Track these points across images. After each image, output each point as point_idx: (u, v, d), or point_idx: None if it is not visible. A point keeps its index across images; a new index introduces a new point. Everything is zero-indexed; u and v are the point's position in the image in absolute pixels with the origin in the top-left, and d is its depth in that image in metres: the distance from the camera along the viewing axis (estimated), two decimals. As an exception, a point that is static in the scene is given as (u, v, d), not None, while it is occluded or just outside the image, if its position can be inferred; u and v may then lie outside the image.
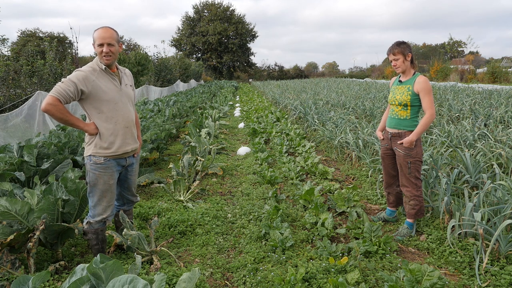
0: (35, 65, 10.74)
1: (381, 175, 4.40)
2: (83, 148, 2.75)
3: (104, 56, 2.42)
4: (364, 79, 35.79)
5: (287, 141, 7.05)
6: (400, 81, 3.09)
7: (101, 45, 2.40)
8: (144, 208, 3.78)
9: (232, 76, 53.85)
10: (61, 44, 26.15)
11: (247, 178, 5.06)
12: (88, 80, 2.37)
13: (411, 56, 2.97)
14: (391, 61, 3.03)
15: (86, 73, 2.38)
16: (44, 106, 2.23)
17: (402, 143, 3.00)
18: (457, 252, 2.76)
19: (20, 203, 2.41)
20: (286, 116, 10.13)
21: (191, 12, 55.68)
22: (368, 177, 4.75)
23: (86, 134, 2.52)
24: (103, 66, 2.46)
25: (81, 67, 2.50)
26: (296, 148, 6.53)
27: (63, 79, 2.34)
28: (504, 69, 24.01)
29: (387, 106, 3.35)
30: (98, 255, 1.46)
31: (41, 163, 4.12)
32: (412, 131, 3.00)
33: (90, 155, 2.48)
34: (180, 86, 25.23)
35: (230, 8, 51.73)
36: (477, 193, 3.11)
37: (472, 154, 4.30)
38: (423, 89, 2.91)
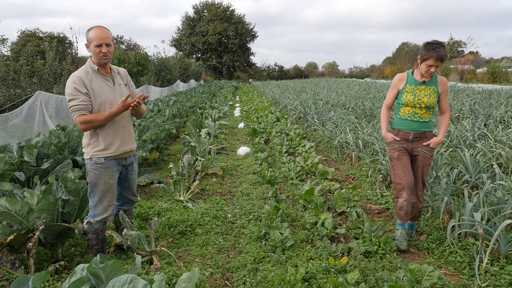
0: (35, 65, 10.73)
1: (381, 175, 4.40)
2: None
3: (102, 56, 2.43)
4: (364, 79, 35.79)
5: (287, 141, 7.05)
6: (423, 81, 2.84)
7: (99, 45, 2.39)
8: (144, 208, 3.78)
9: (232, 76, 53.82)
10: (61, 44, 26.13)
11: (247, 178, 5.07)
12: (84, 82, 2.39)
13: None
14: (430, 66, 2.69)
15: (80, 77, 2.40)
16: (80, 128, 2.39)
17: (428, 144, 2.88)
18: (457, 252, 2.77)
19: (20, 203, 2.41)
20: (286, 116, 10.13)
21: (191, 12, 55.66)
22: (368, 177, 4.75)
23: (85, 136, 2.51)
24: (96, 68, 2.46)
25: (80, 67, 2.51)
26: (296, 148, 6.53)
27: (68, 98, 2.36)
28: (504, 69, 24.04)
29: (385, 105, 3.09)
30: (98, 255, 1.45)
31: (41, 163, 4.12)
32: (432, 131, 2.94)
33: (90, 157, 2.49)
34: (180, 86, 25.25)
35: (230, 8, 51.70)
36: (477, 193, 3.11)
37: (472, 154, 4.30)
38: (446, 89, 2.87)
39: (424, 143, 2.89)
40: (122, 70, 2.75)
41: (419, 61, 2.78)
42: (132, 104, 2.41)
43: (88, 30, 2.42)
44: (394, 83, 2.98)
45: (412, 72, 2.93)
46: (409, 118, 2.90)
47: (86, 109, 2.37)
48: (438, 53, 2.63)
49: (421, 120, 2.88)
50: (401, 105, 2.94)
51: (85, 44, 2.46)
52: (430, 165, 2.94)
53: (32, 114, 7.52)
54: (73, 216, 2.74)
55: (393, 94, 3.00)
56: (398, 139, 2.96)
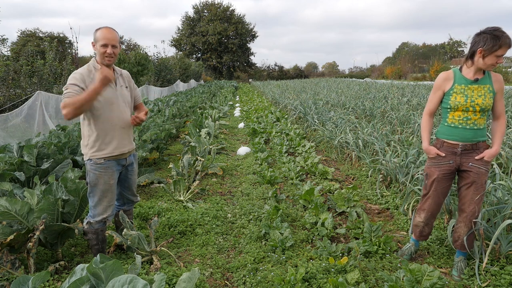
0: (35, 65, 10.73)
1: (381, 175, 4.40)
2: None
3: (106, 56, 2.43)
4: (364, 79, 35.80)
5: (287, 141, 7.05)
6: (476, 79, 2.36)
7: (105, 45, 2.40)
8: (144, 208, 3.78)
9: (232, 76, 53.83)
10: (61, 44, 26.13)
11: (247, 178, 5.07)
12: (85, 80, 2.39)
13: None
14: (500, 56, 2.24)
15: (82, 75, 2.40)
16: (63, 115, 2.23)
17: (482, 157, 2.38)
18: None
19: (20, 203, 2.40)
20: (286, 116, 10.13)
21: (191, 12, 55.69)
22: (368, 177, 4.75)
23: (84, 136, 2.51)
24: (99, 67, 2.46)
25: (81, 67, 2.52)
26: (296, 148, 6.53)
27: (64, 89, 2.35)
28: (504, 69, 24.04)
29: (427, 112, 2.58)
30: (98, 255, 1.45)
31: (41, 163, 4.12)
32: (485, 140, 2.44)
33: (89, 158, 2.49)
34: (180, 86, 25.24)
35: (230, 8, 51.71)
36: (477, 193, 3.10)
37: (472, 154, 4.30)
38: (503, 88, 2.39)
39: (477, 157, 2.39)
40: (125, 72, 2.74)
41: (479, 54, 2.27)
42: (134, 122, 2.57)
43: (96, 30, 2.44)
44: (438, 83, 2.47)
45: (460, 69, 2.44)
46: (460, 126, 2.40)
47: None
48: (510, 38, 2.21)
49: (475, 128, 2.38)
50: (449, 109, 2.43)
51: (91, 43, 2.48)
52: (485, 184, 2.41)
53: (32, 114, 7.52)
54: (73, 216, 2.74)
55: (438, 97, 2.48)
56: (444, 155, 2.48)
